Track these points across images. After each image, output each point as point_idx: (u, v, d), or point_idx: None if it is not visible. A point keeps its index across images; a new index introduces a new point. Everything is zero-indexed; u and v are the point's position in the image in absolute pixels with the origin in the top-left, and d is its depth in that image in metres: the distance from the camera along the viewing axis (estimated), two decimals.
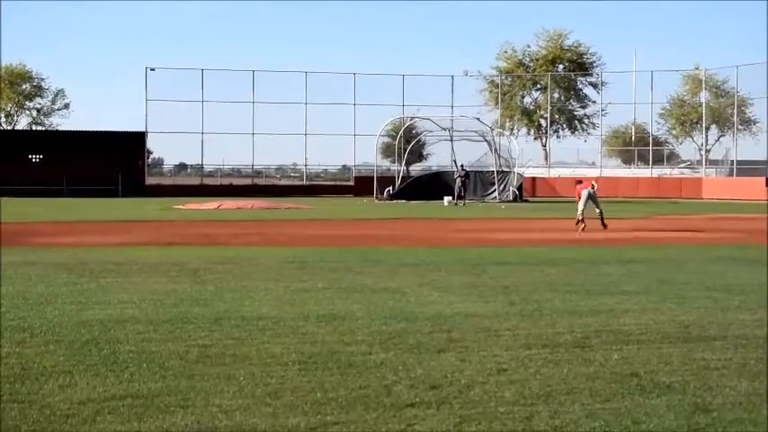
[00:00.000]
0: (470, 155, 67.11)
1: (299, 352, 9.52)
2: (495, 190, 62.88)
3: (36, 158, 76.26)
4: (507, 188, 62.65)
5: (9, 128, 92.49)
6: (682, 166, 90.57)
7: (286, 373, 8.59)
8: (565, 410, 7.46)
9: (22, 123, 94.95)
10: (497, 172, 63.71)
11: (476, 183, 63.19)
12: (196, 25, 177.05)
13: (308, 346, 9.86)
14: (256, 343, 9.98)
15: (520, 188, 63.85)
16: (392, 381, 8.35)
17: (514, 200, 60.91)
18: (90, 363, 8.97)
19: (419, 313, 12.09)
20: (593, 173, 79.25)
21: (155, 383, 8.18)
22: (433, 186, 61.80)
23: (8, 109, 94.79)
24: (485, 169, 65.62)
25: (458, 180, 57.73)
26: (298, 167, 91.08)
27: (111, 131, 77.11)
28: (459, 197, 56.62)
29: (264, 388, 8.07)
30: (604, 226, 30.41)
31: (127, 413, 7.27)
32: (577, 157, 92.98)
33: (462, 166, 60.44)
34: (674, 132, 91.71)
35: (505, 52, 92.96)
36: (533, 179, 77.04)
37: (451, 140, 69.47)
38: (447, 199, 56.32)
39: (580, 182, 33.95)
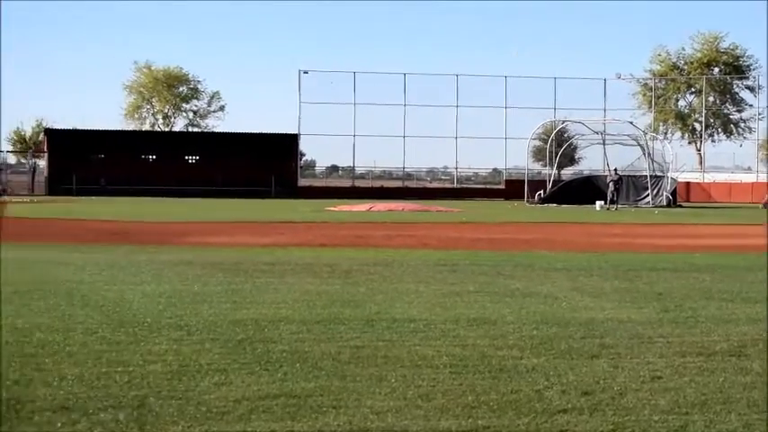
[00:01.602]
0: (623, 159, 66.43)
1: (450, 355, 9.51)
2: (648, 195, 62.04)
3: (192, 159, 78.13)
4: (660, 193, 61.74)
5: (167, 129, 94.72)
6: None
7: (437, 376, 8.59)
8: (720, 420, 7.31)
9: (179, 125, 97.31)
10: (650, 176, 62.83)
11: (628, 187, 62.41)
12: (349, 28, 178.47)
13: (458, 349, 9.85)
14: (407, 345, 10.00)
15: (673, 193, 62.91)
16: (544, 386, 8.29)
17: (668, 205, 60.02)
18: (244, 361, 9.09)
19: (571, 318, 11.98)
20: (749, 178, 77.70)
21: (308, 383, 8.26)
22: (584, 190, 61.26)
23: (165, 111, 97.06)
24: (638, 174, 64.79)
25: (610, 184, 57.12)
26: (448, 170, 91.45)
27: (264, 133, 78.58)
28: (612, 202, 56.00)
29: (416, 390, 8.08)
30: None
31: (280, 412, 7.36)
32: (733, 162, 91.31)
33: (615, 170, 59.77)
34: None
35: (659, 55, 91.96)
36: (687, 184, 75.82)
37: (604, 144, 68.86)
38: (599, 203, 55.75)
39: None
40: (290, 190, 74.23)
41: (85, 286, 14.43)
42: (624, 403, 7.76)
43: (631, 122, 69.96)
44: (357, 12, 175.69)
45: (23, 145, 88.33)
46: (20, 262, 17.94)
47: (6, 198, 56.84)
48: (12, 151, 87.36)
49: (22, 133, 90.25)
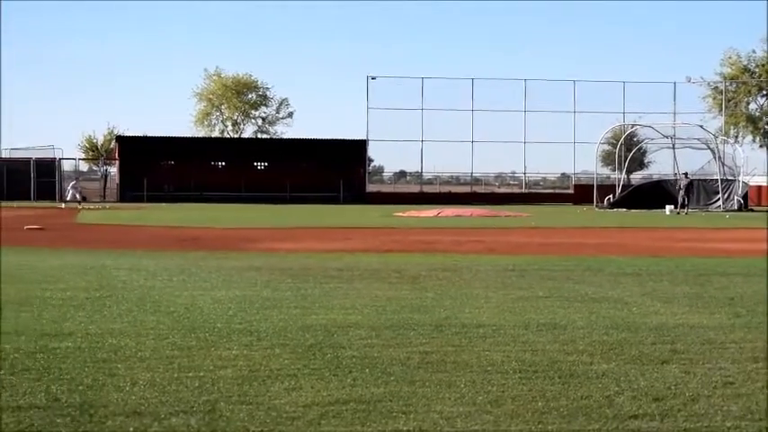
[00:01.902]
0: (693, 163, 65.83)
1: (520, 360, 9.49)
2: (718, 199, 61.41)
3: (261, 166, 78.63)
4: (731, 197, 61.08)
5: (236, 136, 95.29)
6: None
7: (507, 381, 8.57)
8: None
9: (248, 132, 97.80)
10: (721, 180, 62.20)
11: (699, 191, 61.84)
12: (416, 33, 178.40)
13: (528, 354, 9.82)
14: (477, 350, 9.99)
15: (745, 197, 62.19)
16: (614, 392, 8.24)
17: (739, 209, 59.35)
18: (314, 367, 9.13)
19: (641, 324, 11.90)
20: None
21: (377, 388, 8.27)
22: (654, 195, 60.77)
23: (235, 118, 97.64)
24: (708, 178, 64.16)
25: (680, 189, 56.63)
26: (516, 175, 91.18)
27: (333, 139, 78.78)
28: (682, 206, 55.53)
29: (485, 396, 8.07)
30: None
31: (350, 417, 7.38)
32: None
33: (686, 174, 59.25)
34: None
35: (730, 58, 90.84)
36: (759, 188, 74.86)
37: (673, 148, 68.27)
38: (669, 208, 55.31)
39: None
40: (359, 196, 74.43)
41: (156, 292, 14.58)
42: (696, 409, 7.69)
43: (701, 126, 69.35)
44: (424, 17, 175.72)
45: (95, 152, 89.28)
46: (92, 268, 18.17)
47: (79, 206, 57.47)
48: (84, 159, 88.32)
49: (94, 141, 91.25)
